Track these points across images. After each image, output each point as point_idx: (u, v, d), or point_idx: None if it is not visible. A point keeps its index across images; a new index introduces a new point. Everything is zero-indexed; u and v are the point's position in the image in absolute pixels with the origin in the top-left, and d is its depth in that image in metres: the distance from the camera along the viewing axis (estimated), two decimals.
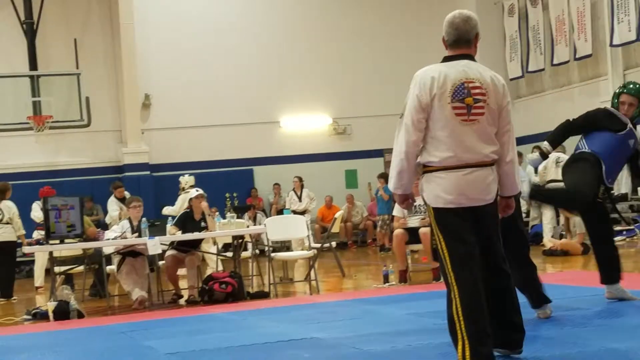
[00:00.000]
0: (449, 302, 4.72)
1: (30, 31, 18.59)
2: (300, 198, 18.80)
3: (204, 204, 10.95)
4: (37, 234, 14.95)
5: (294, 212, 16.04)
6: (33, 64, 18.43)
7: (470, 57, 4.85)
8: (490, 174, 4.79)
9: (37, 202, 15.17)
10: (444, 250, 4.75)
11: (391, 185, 4.90)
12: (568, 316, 6.70)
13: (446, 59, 4.85)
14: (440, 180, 4.74)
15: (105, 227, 15.38)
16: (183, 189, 15.25)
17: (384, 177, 17.33)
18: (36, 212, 14.98)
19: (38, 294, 13.55)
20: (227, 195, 18.96)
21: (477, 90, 4.72)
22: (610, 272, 7.33)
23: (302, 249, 13.23)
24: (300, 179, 19.18)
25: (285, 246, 14.01)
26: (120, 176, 19.34)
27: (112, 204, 16.46)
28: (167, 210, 15.11)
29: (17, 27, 18.66)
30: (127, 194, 16.13)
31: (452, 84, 4.69)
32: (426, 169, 4.81)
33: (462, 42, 4.84)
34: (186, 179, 15.38)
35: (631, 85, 7.44)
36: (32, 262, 15.50)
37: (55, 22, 19.45)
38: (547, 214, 15.37)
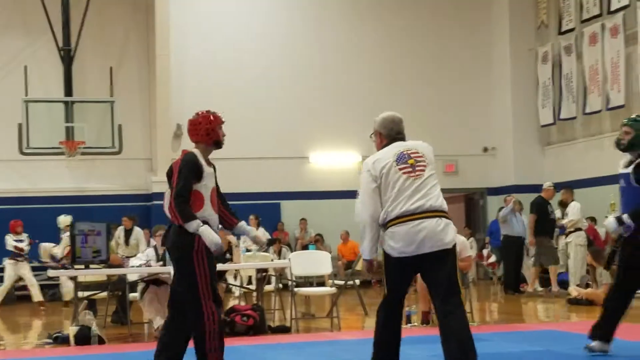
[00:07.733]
0: None
1: (68, 58, 18.83)
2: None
3: (230, 236, 10.98)
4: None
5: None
6: (68, 90, 18.65)
7: (404, 140, 6.03)
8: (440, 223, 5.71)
9: (8, 235, 15.42)
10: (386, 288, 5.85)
11: None
12: None
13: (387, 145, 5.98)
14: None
15: None
16: (61, 229, 15.41)
17: None
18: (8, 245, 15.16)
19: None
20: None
21: (415, 154, 5.84)
22: None
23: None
24: None
25: (308, 281, 13.97)
26: (148, 204, 19.44)
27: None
28: (52, 250, 15.18)
29: (55, 53, 18.91)
30: (137, 228, 16.38)
31: (394, 154, 5.83)
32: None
33: (400, 135, 6.03)
34: (62, 219, 15.56)
35: None
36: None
37: (93, 50, 19.68)
38: (572, 263, 15.21)
